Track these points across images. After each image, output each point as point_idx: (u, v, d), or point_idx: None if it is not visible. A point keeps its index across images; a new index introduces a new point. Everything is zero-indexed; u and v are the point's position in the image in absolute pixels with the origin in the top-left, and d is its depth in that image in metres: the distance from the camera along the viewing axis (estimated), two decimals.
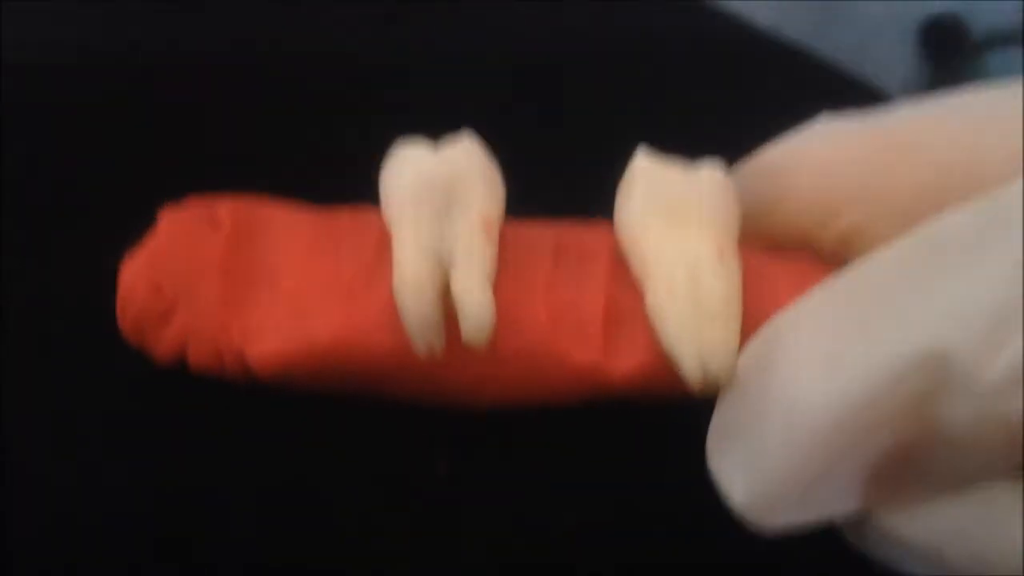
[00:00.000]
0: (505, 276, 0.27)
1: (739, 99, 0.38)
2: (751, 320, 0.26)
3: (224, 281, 0.27)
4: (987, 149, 0.26)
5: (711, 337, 0.26)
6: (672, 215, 0.27)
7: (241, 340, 0.27)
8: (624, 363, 0.27)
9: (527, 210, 0.29)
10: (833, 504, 0.24)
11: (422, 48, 0.38)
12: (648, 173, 0.28)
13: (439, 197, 0.27)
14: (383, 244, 0.28)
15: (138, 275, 0.27)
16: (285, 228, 0.29)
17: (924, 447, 0.22)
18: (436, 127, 0.29)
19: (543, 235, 0.29)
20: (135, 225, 0.28)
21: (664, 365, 0.27)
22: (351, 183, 0.29)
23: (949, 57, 0.50)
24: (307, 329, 0.27)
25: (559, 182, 0.34)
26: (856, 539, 0.25)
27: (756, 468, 0.24)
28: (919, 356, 0.21)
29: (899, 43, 0.49)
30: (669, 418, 0.28)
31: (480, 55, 0.37)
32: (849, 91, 0.42)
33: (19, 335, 0.31)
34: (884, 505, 0.24)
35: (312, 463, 0.30)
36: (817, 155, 0.29)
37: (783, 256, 0.29)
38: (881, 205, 0.27)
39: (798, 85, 0.40)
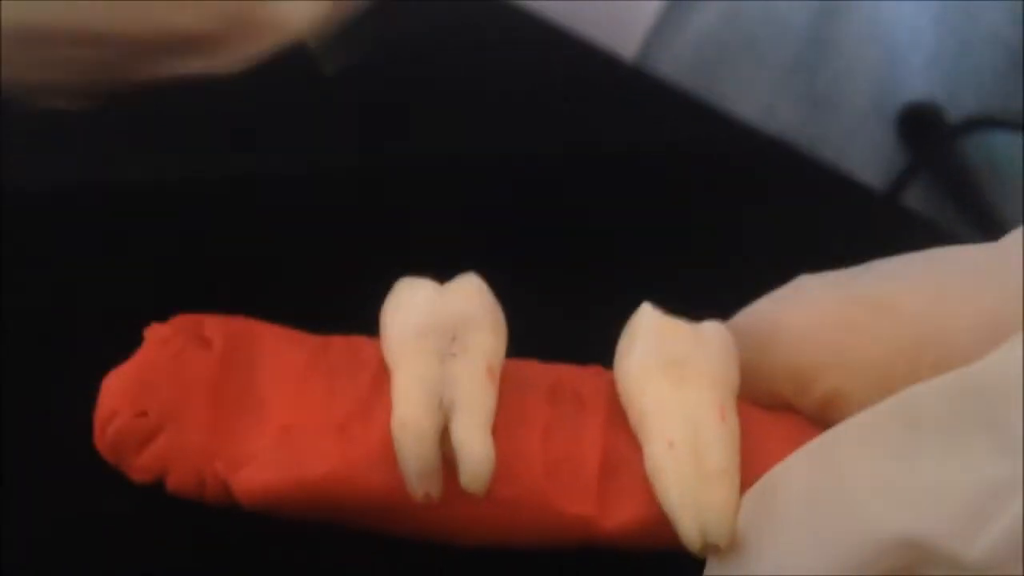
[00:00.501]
0: (503, 421, 0.27)
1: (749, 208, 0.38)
2: (746, 480, 0.26)
3: (213, 405, 0.27)
4: (953, 316, 0.27)
5: (711, 500, 0.25)
6: (674, 371, 0.27)
7: (227, 469, 0.26)
8: (618, 517, 0.27)
9: (525, 346, 0.29)
10: None
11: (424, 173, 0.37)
12: (651, 326, 0.28)
13: (442, 338, 0.27)
14: (379, 379, 0.27)
15: (121, 394, 0.26)
16: (277, 352, 0.28)
17: None
18: (436, 259, 0.29)
19: (540, 377, 0.29)
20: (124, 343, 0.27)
21: (659, 521, 0.26)
22: (344, 309, 0.28)
23: (926, 143, 0.51)
24: (298, 463, 0.26)
25: (556, 316, 0.34)
26: None
27: None
28: (898, 540, 0.22)
29: (882, 132, 0.51)
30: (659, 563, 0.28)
31: (483, 183, 0.37)
32: (842, 190, 0.42)
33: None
34: None
35: None
36: (793, 321, 0.29)
37: (771, 412, 0.29)
38: (857, 369, 0.28)
39: (797, 188, 0.41)
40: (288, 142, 0.37)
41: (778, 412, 0.29)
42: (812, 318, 0.29)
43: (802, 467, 0.25)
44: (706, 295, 0.32)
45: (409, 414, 0.25)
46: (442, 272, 0.28)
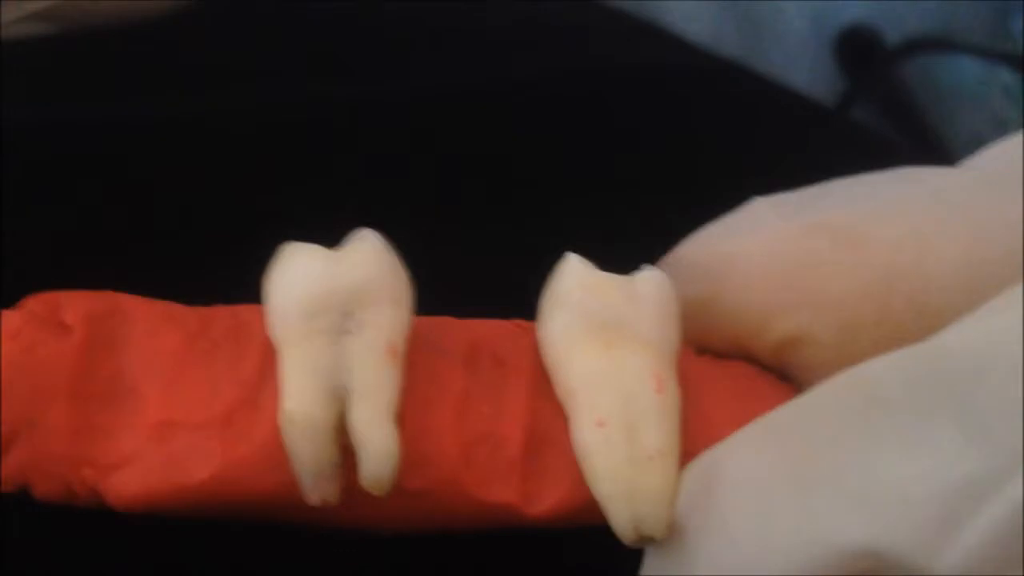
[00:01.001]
0: (411, 397, 0.24)
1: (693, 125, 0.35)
2: (689, 453, 0.24)
3: (74, 406, 0.23)
4: (928, 250, 0.24)
5: (646, 487, 0.23)
6: (604, 334, 0.24)
7: (96, 476, 0.23)
8: (544, 502, 0.24)
9: (437, 302, 0.25)
10: None
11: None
12: (576, 284, 0.24)
13: (335, 315, 0.23)
14: (267, 358, 0.24)
15: None
16: (149, 333, 0.24)
17: None
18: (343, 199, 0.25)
19: (456, 337, 0.25)
20: None
21: (589, 504, 0.24)
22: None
23: (866, 67, 0.49)
24: (176, 467, 0.23)
25: (477, 264, 0.30)
26: None
27: None
28: (857, 549, 0.19)
29: (823, 57, 0.47)
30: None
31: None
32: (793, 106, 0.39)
33: None
34: None
35: None
36: (747, 253, 0.26)
37: (718, 366, 0.26)
38: (820, 308, 0.25)
39: (742, 104, 0.37)
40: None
41: (727, 363, 0.26)
42: (768, 250, 0.25)
43: (749, 452, 0.22)
44: (654, 223, 0.29)
45: (298, 408, 0.22)
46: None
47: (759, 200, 0.27)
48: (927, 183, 0.25)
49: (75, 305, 0.24)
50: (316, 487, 0.22)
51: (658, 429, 0.23)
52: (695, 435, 0.24)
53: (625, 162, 0.32)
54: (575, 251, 0.25)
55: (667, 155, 0.32)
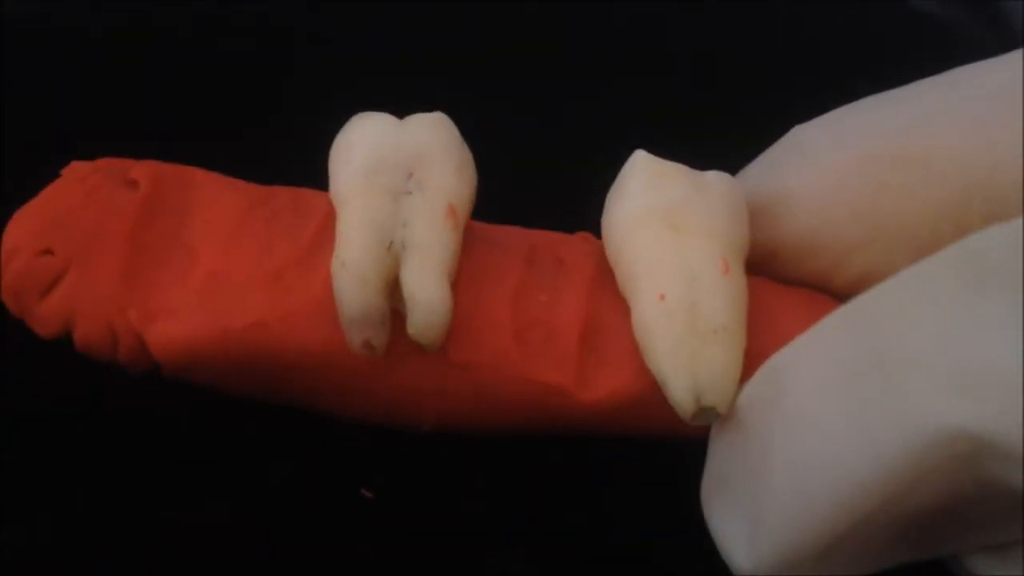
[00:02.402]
0: (468, 278, 0.23)
1: None
2: (754, 351, 0.22)
3: (130, 251, 0.23)
4: (998, 163, 0.22)
5: (709, 360, 0.21)
6: (671, 218, 0.23)
7: (141, 320, 0.22)
8: (599, 388, 0.23)
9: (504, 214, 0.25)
10: (853, 566, 0.19)
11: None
12: (645, 171, 0.24)
13: (397, 175, 0.23)
14: (326, 227, 0.23)
15: (25, 230, 0.23)
16: (212, 199, 0.24)
17: (975, 500, 0.18)
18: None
19: (518, 237, 0.25)
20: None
21: (646, 394, 0.22)
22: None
23: None
24: (223, 313, 0.22)
25: (548, 185, 0.29)
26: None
27: (763, 530, 0.20)
28: (953, 432, 0.17)
29: None
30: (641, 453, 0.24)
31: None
32: None
33: None
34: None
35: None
36: (808, 192, 0.24)
37: (788, 287, 0.25)
38: (896, 240, 0.23)
39: None
40: None
41: (798, 288, 0.25)
42: (828, 184, 0.24)
43: (826, 343, 0.20)
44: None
45: (352, 254, 0.21)
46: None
47: (803, 127, 0.26)
48: (984, 82, 0.23)
49: (144, 167, 0.24)
50: (360, 331, 0.21)
51: (722, 306, 0.22)
52: (766, 337, 0.22)
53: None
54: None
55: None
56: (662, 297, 0.22)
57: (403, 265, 0.22)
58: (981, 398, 0.17)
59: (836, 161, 0.24)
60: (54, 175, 0.24)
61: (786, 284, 0.25)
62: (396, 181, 0.23)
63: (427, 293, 0.21)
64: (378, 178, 0.23)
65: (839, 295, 0.25)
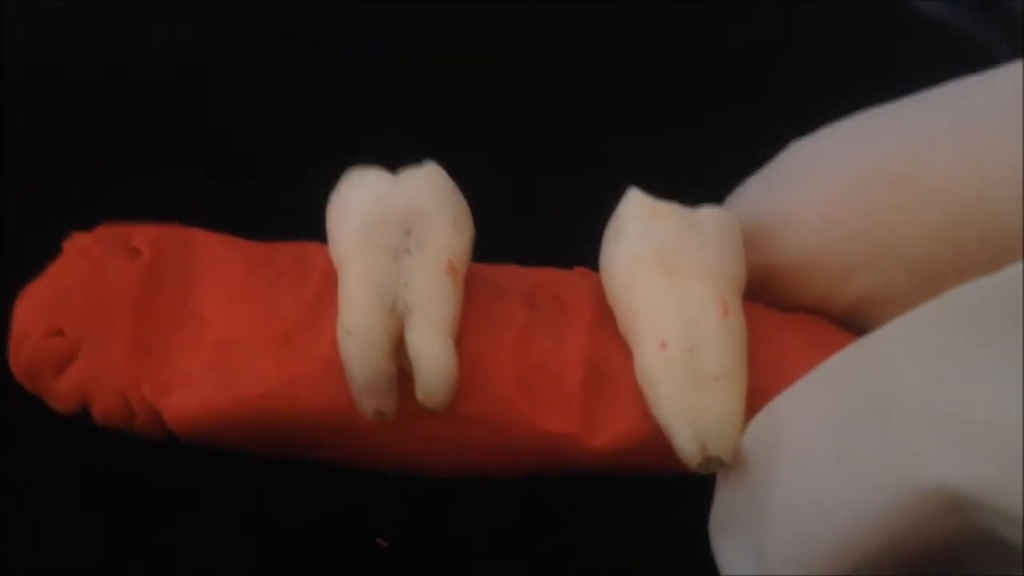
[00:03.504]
0: (470, 327, 0.23)
1: None
2: (756, 391, 0.23)
3: (138, 323, 0.23)
4: (997, 178, 0.22)
5: (711, 406, 0.22)
6: (667, 261, 0.23)
7: (155, 393, 0.23)
8: (606, 434, 0.23)
9: (500, 254, 0.25)
10: None
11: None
12: (640, 212, 0.24)
13: (395, 233, 0.23)
14: (327, 284, 0.24)
15: (34, 312, 0.23)
16: (214, 261, 0.24)
17: (972, 546, 0.18)
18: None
19: (517, 281, 0.25)
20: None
21: (652, 437, 0.23)
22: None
23: None
24: (235, 382, 0.23)
25: (542, 216, 0.30)
26: None
27: (768, 568, 0.20)
28: (944, 489, 0.17)
29: None
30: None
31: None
32: None
33: None
34: None
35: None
36: (805, 214, 0.24)
37: (788, 315, 0.25)
38: (895, 262, 0.23)
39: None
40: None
41: (796, 313, 0.25)
42: (826, 205, 0.24)
43: (822, 389, 0.20)
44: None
45: (356, 320, 0.22)
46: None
47: (799, 144, 0.26)
48: (979, 100, 0.23)
49: (144, 233, 0.24)
50: (370, 399, 0.22)
51: (722, 351, 0.22)
52: (767, 373, 0.23)
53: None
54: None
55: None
56: (663, 344, 0.22)
57: (407, 327, 0.22)
58: (967, 453, 0.17)
59: (832, 182, 0.24)
60: (48, 239, 0.24)
61: (784, 310, 0.25)
62: (394, 239, 0.23)
63: (433, 358, 0.22)
64: (376, 238, 0.23)
65: (839, 317, 0.25)
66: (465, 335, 0.23)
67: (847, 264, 0.24)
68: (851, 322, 0.25)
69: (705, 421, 0.21)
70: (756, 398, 0.22)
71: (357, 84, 0.33)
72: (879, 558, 0.19)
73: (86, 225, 0.25)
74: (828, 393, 0.20)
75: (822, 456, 0.19)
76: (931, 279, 0.23)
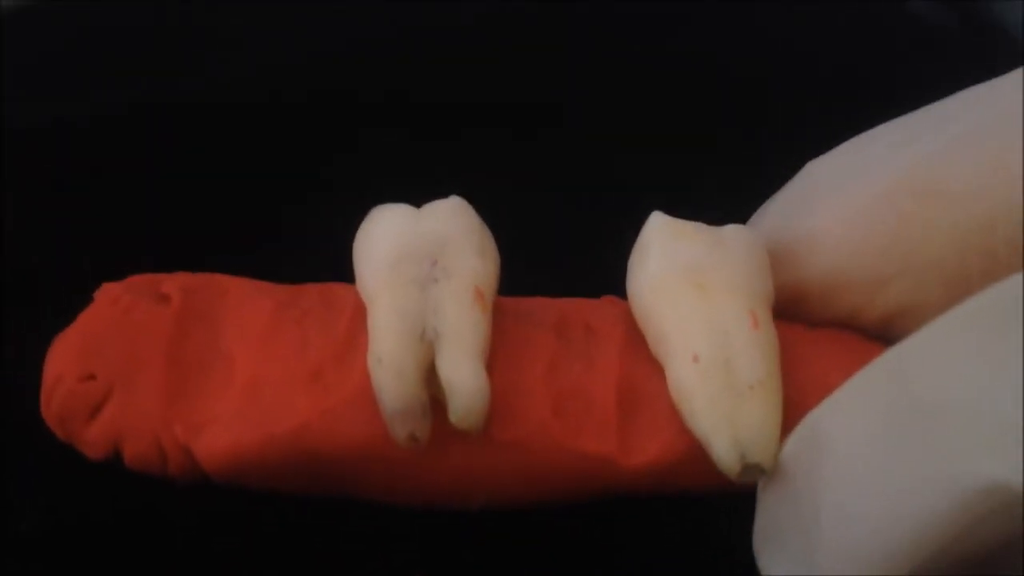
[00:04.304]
0: (501, 356, 0.23)
1: None
2: (792, 400, 0.22)
3: (169, 366, 0.23)
4: (1015, 183, 0.22)
5: (748, 416, 0.21)
6: (694, 278, 0.23)
7: (187, 434, 0.23)
8: (643, 453, 0.23)
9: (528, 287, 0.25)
10: None
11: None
12: (664, 233, 0.24)
13: (422, 263, 0.23)
14: (357, 320, 0.24)
15: (65, 357, 0.23)
16: (243, 304, 0.24)
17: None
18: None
19: (545, 308, 0.25)
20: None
21: (690, 453, 0.22)
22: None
23: None
24: (266, 418, 0.23)
25: (567, 251, 0.30)
26: None
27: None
28: (991, 485, 0.17)
29: None
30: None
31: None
32: None
33: None
34: None
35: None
36: (830, 232, 0.25)
37: (820, 330, 0.25)
38: (925, 274, 0.23)
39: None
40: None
41: (828, 329, 0.25)
42: (850, 220, 0.24)
43: (863, 396, 0.20)
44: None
45: (386, 348, 0.22)
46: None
47: (816, 163, 0.26)
48: (995, 105, 0.24)
49: (174, 280, 0.25)
50: (403, 425, 0.21)
51: (756, 360, 0.22)
52: (801, 385, 0.23)
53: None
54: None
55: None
56: (695, 358, 0.22)
57: (438, 354, 0.22)
58: (1016, 450, 0.17)
59: (855, 197, 0.24)
60: (75, 291, 0.24)
61: (815, 327, 0.25)
62: (421, 270, 0.23)
63: (465, 381, 0.22)
64: (403, 269, 0.23)
65: (869, 331, 0.25)
66: (496, 364, 0.23)
67: (877, 277, 0.24)
68: (881, 336, 0.25)
69: (742, 429, 0.21)
70: (791, 411, 0.22)
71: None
72: (933, 562, 0.18)
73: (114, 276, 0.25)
74: (870, 400, 0.20)
75: (869, 463, 0.19)
76: (961, 287, 0.23)
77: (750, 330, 0.22)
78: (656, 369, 0.23)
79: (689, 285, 0.23)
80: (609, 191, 0.31)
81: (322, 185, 0.32)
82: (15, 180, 0.31)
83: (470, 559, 0.25)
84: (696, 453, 0.22)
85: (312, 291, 0.25)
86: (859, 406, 0.20)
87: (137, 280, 0.25)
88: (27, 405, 0.24)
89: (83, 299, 0.25)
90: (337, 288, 0.25)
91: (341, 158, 0.33)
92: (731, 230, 0.24)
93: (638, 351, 0.24)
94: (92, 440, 0.23)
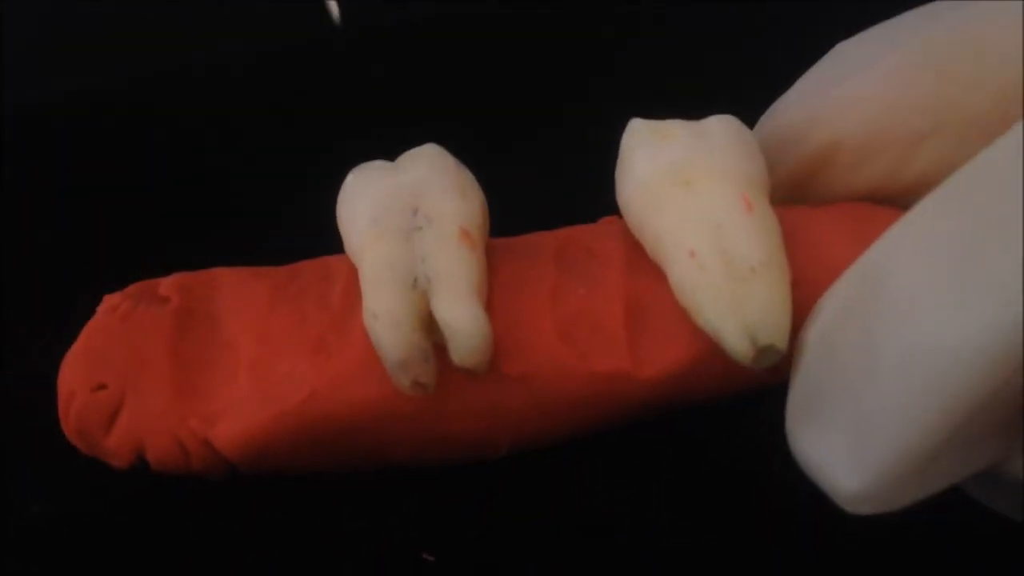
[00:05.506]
0: (502, 292, 0.23)
1: None
2: (800, 279, 0.22)
3: (176, 363, 0.23)
4: None
5: (754, 299, 0.21)
6: (681, 173, 0.22)
7: (203, 426, 0.23)
8: (657, 363, 0.22)
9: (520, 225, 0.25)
10: (964, 466, 0.19)
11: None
12: (645, 136, 0.23)
13: (404, 213, 0.23)
14: (351, 288, 0.23)
15: (77, 372, 0.23)
16: (239, 292, 0.24)
17: None
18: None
19: (543, 241, 0.24)
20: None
21: (705, 356, 0.22)
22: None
23: None
24: (276, 395, 0.22)
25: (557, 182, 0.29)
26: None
27: (870, 439, 0.19)
28: None
29: None
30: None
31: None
32: None
33: None
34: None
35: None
36: (870, 93, 0.24)
37: (828, 206, 0.24)
38: (966, 129, 0.23)
39: None
40: None
41: (838, 204, 0.24)
42: (889, 79, 0.23)
43: (928, 223, 0.19)
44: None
45: (379, 302, 0.21)
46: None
47: (848, 42, 0.25)
48: None
49: (169, 281, 0.25)
50: (406, 372, 0.21)
51: (754, 243, 0.21)
52: (808, 261, 0.22)
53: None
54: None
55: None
56: (692, 254, 0.21)
57: (432, 298, 0.22)
58: None
59: (894, 57, 0.24)
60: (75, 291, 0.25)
61: (827, 204, 0.24)
62: (403, 220, 0.23)
63: (461, 319, 0.21)
64: (385, 222, 0.23)
65: (898, 199, 0.24)
66: (497, 300, 0.23)
67: (915, 134, 0.23)
68: (912, 200, 0.24)
69: (750, 314, 0.20)
70: (805, 288, 0.21)
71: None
72: (989, 405, 0.17)
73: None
74: (930, 232, 0.19)
75: (932, 294, 0.18)
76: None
77: (744, 214, 0.21)
78: (660, 278, 0.23)
79: (676, 183, 0.22)
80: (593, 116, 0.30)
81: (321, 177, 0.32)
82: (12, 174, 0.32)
83: (473, 537, 0.24)
84: (710, 355, 0.22)
85: (306, 267, 0.25)
86: (919, 238, 0.19)
87: (136, 287, 0.25)
88: (26, 403, 0.24)
89: (82, 297, 0.25)
90: (330, 260, 0.25)
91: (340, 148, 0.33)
92: (714, 120, 0.24)
93: (640, 265, 0.23)
94: (114, 449, 0.23)
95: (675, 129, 0.23)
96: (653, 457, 0.24)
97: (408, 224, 0.23)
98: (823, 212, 0.24)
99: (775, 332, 0.20)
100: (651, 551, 0.23)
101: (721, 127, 0.23)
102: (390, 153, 0.25)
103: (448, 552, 0.24)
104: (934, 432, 0.18)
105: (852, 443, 0.19)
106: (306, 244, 0.26)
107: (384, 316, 0.21)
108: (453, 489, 0.24)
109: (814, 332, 0.20)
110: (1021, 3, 0.22)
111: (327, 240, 0.25)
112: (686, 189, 0.22)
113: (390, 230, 0.22)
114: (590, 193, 0.25)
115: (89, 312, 0.24)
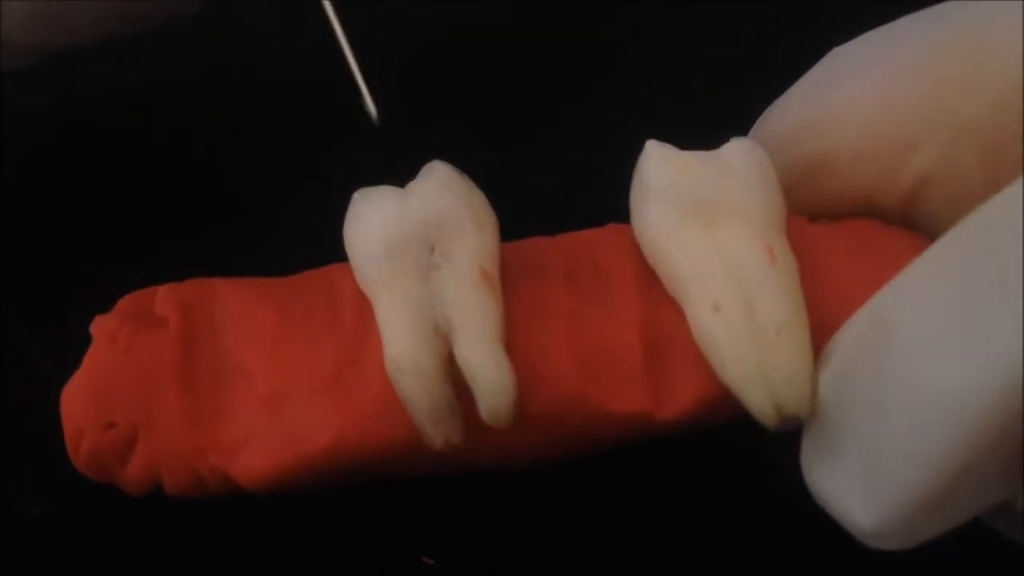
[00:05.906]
0: (515, 322, 0.23)
1: None
2: (819, 323, 0.22)
3: (185, 392, 0.23)
4: None
5: (780, 365, 0.21)
6: (701, 213, 0.22)
7: (222, 459, 0.23)
8: (676, 404, 0.23)
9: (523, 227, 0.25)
10: (980, 503, 0.20)
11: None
12: (664, 165, 0.23)
13: (420, 251, 0.22)
14: (361, 309, 0.23)
15: (83, 409, 0.23)
16: (243, 311, 0.24)
17: None
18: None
19: (549, 253, 0.24)
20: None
21: (725, 395, 0.22)
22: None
23: None
24: (297, 436, 0.22)
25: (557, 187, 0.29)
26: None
27: (884, 478, 0.19)
28: None
29: None
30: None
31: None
32: None
33: None
34: None
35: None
36: (864, 98, 0.24)
37: (837, 227, 0.24)
38: (959, 135, 0.23)
39: None
40: None
41: (846, 223, 0.24)
42: (885, 87, 0.23)
43: (934, 266, 0.20)
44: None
45: (402, 351, 0.21)
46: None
47: (843, 47, 0.25)
48: None
49: (166, 297, 0.24)
50: (437, 430, 0.21)
51: (779, 302, 0.21)
52: (821, 303, 0.22)
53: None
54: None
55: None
56: (716, 307, 0.21)
57: (454, 343, 0.22)
58: None
59: (889, 63, 0.24)
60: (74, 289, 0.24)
61: (832, 211, 0.25)
62: (420, 259, 0.22)
63: (488, 373, 0.21)
64: (401, 261, 0.22)
65: (894, 209, 0.24)
66: (512, 332, 0.23)
67: (909, 139, 0.23)
68: (906, 211, 0.24)
69: (776, 381, 0.21)
70: (817, 333, 0.22)
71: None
72: (1002, 443, 0.18)
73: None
74: (937, 275, 0.20)
75: (939, 335, 0.19)
76: (995, 151, 0.22)
77: (767, 267, 0.22)
78: (674, 306, 0.23)
79: (697, 224, 0.22)
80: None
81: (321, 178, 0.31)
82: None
83: (475, 542, 0.25)
84: (729, 395, 0.22)
85: (310, 282, 0.24)
86: (926, 281, 0.20)
87: (128, 306, 0.24)
88: (26, 403, 0.24)
89: (82, 296, 0.24)
90: (334, 275, 0.24)
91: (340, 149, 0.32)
92: (733, 148, 0.23)
93: (652, 288, 0.23)
94: (130, 482, 0.23)
95: (695, 164, 0.23)
96: (653, 459, 0.25)
97: (425, 263, 0.22)
98: (830, 234, 0.24)
99: (799, 403, 0.21)
100: (652, 554, 0.24)
101: (741, 157, 0.23)
102: (390, 153, 0.24)
103: (448, 554, 0.25)
104: (943, 470, 0.19)
105: (867, 481, 0.20)
106: (306, 244, 0.25)
107: (408, 366, 0.21)
108: (453, 491, 0.25)
109: (827, 373, 0.21)
110: (1020, 11, 0.22)
111: (327, 240, 0.24)
112: (708, 232, 0.22)
113: (408, 270, 0.22)
114: (590, 193, 0.25)
115: (89, 312, 0.24)
